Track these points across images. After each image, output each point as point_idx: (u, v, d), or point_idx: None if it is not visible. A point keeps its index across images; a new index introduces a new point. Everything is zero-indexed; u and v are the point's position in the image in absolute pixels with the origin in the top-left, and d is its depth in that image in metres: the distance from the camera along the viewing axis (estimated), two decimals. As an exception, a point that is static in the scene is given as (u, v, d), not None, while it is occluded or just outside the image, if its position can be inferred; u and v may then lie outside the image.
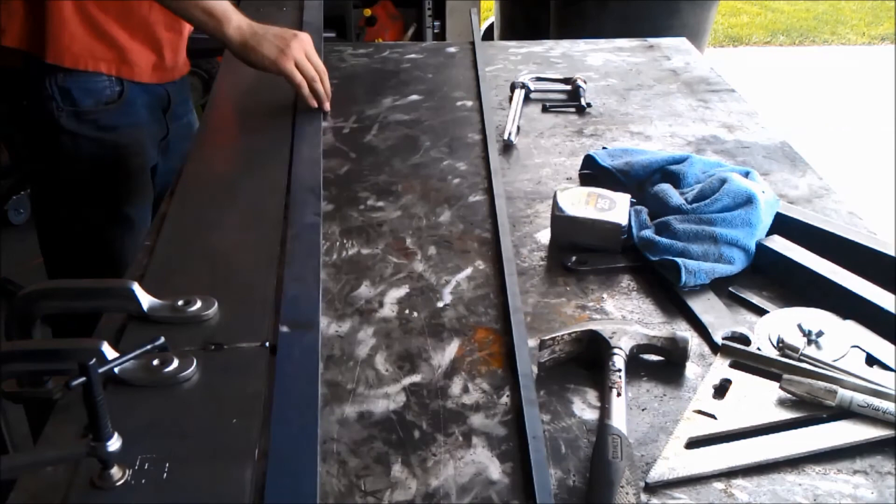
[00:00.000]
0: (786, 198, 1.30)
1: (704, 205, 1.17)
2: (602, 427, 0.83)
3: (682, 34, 2.19)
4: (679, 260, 1.07)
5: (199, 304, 0.94)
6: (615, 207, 1.18)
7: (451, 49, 2.00)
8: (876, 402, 0.86)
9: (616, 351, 0.93)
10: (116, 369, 0.82)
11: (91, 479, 0.72)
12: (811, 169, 1.43)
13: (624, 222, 1.15)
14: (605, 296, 1.09)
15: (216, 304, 0.95)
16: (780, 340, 0.97)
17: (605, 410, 0.86)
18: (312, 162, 1.34)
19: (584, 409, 0.90)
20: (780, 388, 0.89)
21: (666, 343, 0.96)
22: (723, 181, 1.19)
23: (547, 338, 0.95)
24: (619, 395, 0.87)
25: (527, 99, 1.69)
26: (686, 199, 1.20)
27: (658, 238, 1.13)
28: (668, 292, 1.09)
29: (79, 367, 0.65)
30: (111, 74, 1.53)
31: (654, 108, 1.67)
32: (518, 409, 0.88)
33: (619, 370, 0.91)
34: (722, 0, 3.91)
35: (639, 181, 1.30)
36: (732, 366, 0.95)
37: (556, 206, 1.19)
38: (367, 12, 3.77)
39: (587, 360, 0.96)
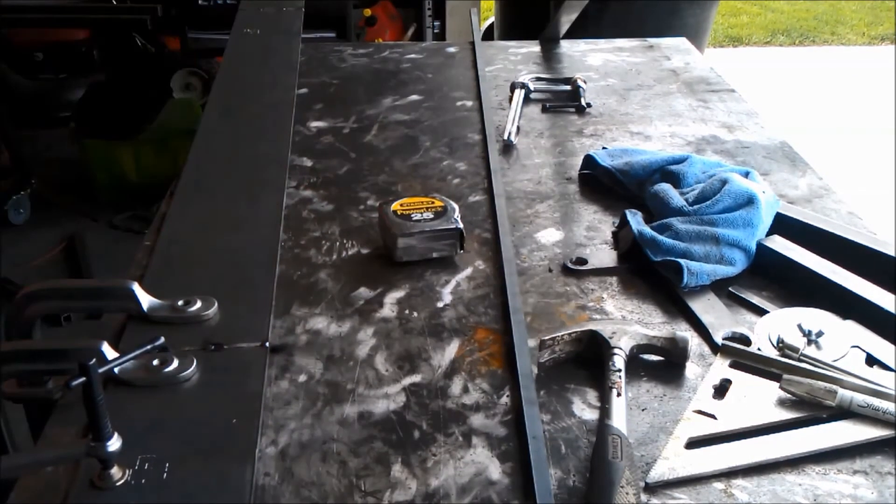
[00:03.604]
0: (786, 198, 1.30)
1: (706, 206, 1.16)
2: (602, 427, 0.83)
3: (682, 34, 2.19)
4: (681, 261, 1.07)
5: (199, 304, 0.94)
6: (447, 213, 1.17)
7: (451, 49, 2.00)
8: (876, 402, 0.86)
9: (616, 351, 0.93)
10: (116, 369, 0.82)
11: (91, 479, 0.72)
12: (811, 169, 1.43)
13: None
14: (605, 296, 1.09)
15: (216, 304, 0.95)
16: (780, 340, 0.97)
17: (605, 410, 0.86)
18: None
19: (584, 409, 0.90)
20: (780, 388, 0.89)
21: (666, 343, 0.96)
22: (724, 182, 1.19)
23: (547, 338, 0.95)
24: (619, 395, 0.87)
25: (527, 99, 1.69)
26: (687, 200, 1.20)
27: (661, 238, 1.13)
28: (668, 292, 1.08)
29: (79, 368, 0.65)
30: None
31: (653, 108, 1.67)
32: (518, 409, 0.88)
33: (619, 370, 0.91)
34: (722, 0, 3.91)
35: (639, 181, 1.30)
36: (732, 366, 0.95)
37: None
38: (367, 12, 3.78)
39: (587, 360, 0.96)
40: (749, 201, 1.15)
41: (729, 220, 1.13)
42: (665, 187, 1.24)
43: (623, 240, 1.17)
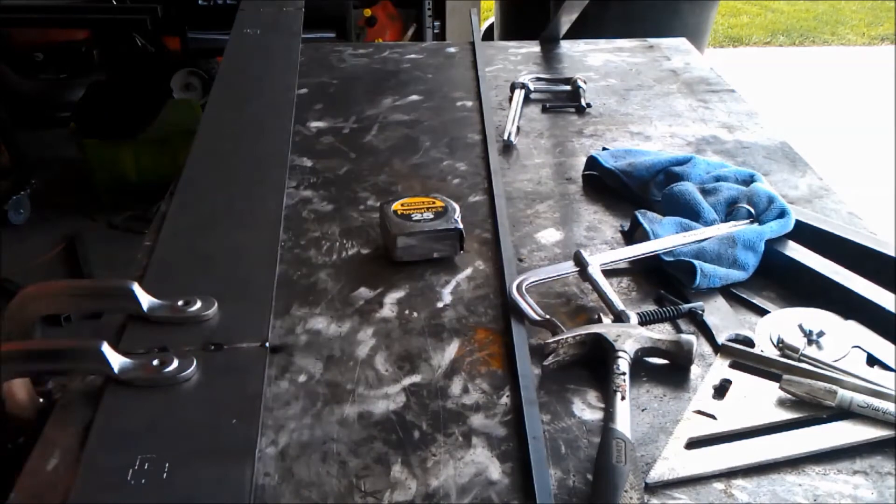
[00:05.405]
0: (786, 198, 1.30)
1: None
2: (606, 431, 0.83)
3: (682, 34, 2.19)
4: (696, 262, 1.07)
5: (199, 304, 0.94)
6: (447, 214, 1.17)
7: (451, 49, 2.00)
8: (876, 402, 0.86)
9: (620, 354, 0.92)
10: (117, 369, 0.82)
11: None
12: (811, 169, 1.43)
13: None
14: (605, 296, 1.09)
15: (216, 304, 0.95)
16: (780, 340, 0.97)
17: (609, 414, 0.86)
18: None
19: (583, 409, 0.90)
20: (780, 388, 0.89)
21: (671, 346, 0.95)
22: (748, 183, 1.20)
23: (551, 341, 0.95)
24: (623, 398, 0.87)
25: (527, 99, 1.69)
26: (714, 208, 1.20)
27: None
28: (671, 293, 1.08)
29: None
30: None
31: (654, 109, 1.67)
32: (518, 409, 0.88)
33: (624, 373, 0.90)
34: (722, 0, 3.91)
35: (642, 182, 1.30)
36: (732, 366, 0.95)
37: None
38: (367, 12, 3.78)
39: (588, 361, 0.96)
40: (770, 203, 1.15)
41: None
42: (689, 189, 1.22)
43: (638, 241, 1.16)
